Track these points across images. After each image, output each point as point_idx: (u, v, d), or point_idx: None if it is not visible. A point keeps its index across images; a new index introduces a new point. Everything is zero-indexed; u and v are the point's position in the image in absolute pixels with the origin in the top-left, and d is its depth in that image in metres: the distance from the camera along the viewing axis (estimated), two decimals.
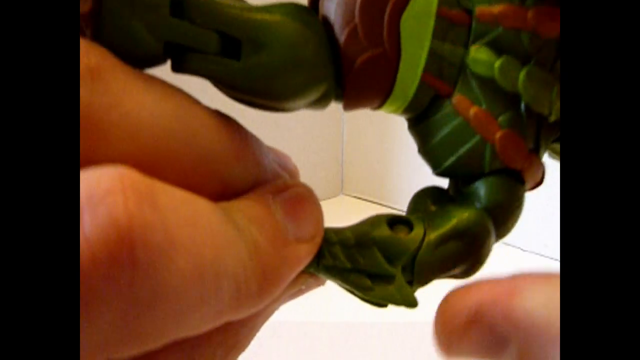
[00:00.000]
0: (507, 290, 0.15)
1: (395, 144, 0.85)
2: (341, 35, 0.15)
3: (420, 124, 0.17)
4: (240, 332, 0.15)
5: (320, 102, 0.16)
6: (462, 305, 0.15)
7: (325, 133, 0.90)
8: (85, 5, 0.12)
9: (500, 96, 0.16)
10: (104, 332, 0.10)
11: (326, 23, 0.16)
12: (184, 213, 0.11)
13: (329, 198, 0.89)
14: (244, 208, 0.14)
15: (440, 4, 0.16)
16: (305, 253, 0.15)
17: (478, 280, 0.16)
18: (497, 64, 0.16)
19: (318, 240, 0.15)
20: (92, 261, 0.09)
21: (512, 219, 0.17)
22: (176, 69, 0.14)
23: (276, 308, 0.17)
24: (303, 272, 0.16)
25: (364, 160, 0.90)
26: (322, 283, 0.17)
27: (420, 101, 0.17)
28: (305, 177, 0.17)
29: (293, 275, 0.14)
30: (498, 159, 0.16)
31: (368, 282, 0.16)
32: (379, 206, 0.86)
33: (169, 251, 0.10)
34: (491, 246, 0.17)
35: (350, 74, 0.16)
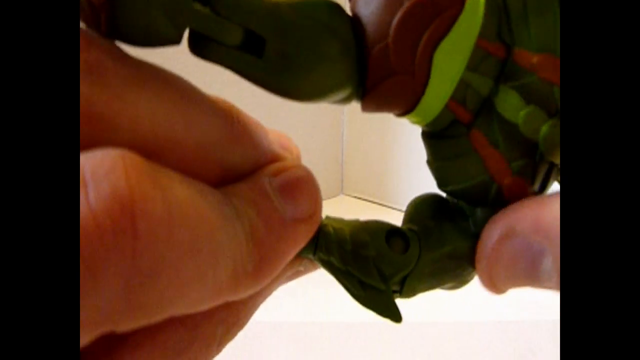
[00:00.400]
0: (535, 205, 0.15)
1: (395, 144, 0.85)
2: (372, 47, 0.15)
3: (435, 139, 0.17)
4: (240, 310, 0.15)
5: (342, 102, 0.16)
6: (495, 227, 0.16)
7: (325, 133, 0.90)
8: None
9: (519, 142, 0.16)
10: (109, 300, 0.10)
11: (356, 20, 0.15)
12: (183, 191, 0.12)
13: (329, 198, 0.89)
14: (241, 191, 0.14)
15: (480, 37, 0.15)
16: (303, 232, 0.15)
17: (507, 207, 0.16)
18: (523, 112, 0.16)
19: (316, 219, 0.15)
20: (97, 230, 0.10)
21: None
22: (194, 52, 0.13)
23: (275, 288, 0.17)
24: (301, 257, 0.16)
25: (364, 160, 0.90)
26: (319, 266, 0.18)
27: (440, 122, 0.16)
28: None
29: (290, 255, 0.15)
30: (502, 198, 0.17)
31: (359, 288, 0.16)
32: (379, 206, 0.86)
33: (168, 224, 0.11)
34: None
35: (374, 90, 0.15)
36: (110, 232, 0.10)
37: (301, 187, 0.15)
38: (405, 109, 0.16)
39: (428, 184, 0.19)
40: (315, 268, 0.18)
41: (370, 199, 0.89)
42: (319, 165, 0.88)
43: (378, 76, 0.15)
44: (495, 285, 0.16)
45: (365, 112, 0.16)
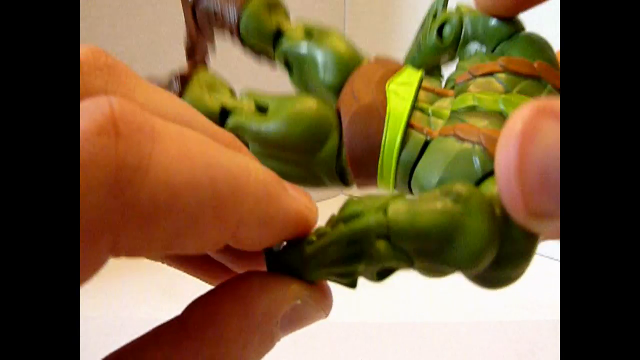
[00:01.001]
0: None
1: None
2: (340, 101, 0.19)
3: (412, 173, 0.18)
4: None
5: (328, 162, 0.19)
6: (529, 105, 0.12)
7: None
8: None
9: (482, 114, 0.17)
10: (101, 198, 0.11)
11: (338, 114, 0.19)
12: (171, 123, 0.12)
13: (329, 198, 0.89)
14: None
15: (424, 80, 0.19)
16: (304, 211, 0.15)
17: None
18: (478, 94, 0.18)
19: (313, 215, 0.15)
20: (83, 136, 0.11)
21: None
22: (222, 124, 0.19)
23: (272, 344, 0.15)
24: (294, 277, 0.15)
25: None
26: (324, 313, 0.17)
27: (411, 151, 0.18)
28: None
29: (292, 220, 0.15)
30: (490, 160, 0.16)
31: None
32: None
33: (151, 132, 0.12)
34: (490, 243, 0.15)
35: (347, 121, 0.19)
36: (94, 133, 0.11)
37: (302, 191, 0.16)
38: (378, 137, 0.18)
39: None
40: (314, 308, 0.16)
41: None
42: None
43: (348, 109, 0.19)
44: (525, 185, 0.12)
45: (352, 165, 0.19)
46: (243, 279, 0.15)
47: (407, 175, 0.18)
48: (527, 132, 0.12)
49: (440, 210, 0.14)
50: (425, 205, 0.14)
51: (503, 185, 0.13)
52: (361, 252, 0.15)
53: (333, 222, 0.15)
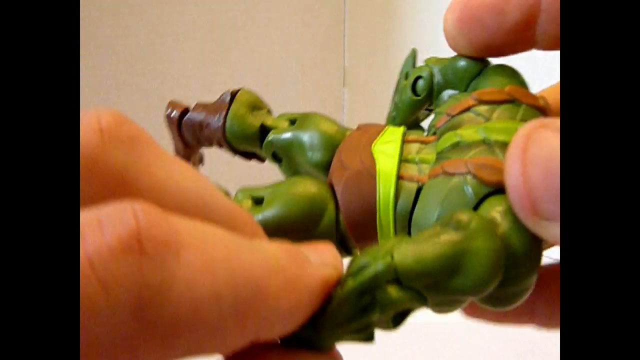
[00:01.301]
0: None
1: None
2: (331, 174, 0.20)
3: (411, 222, 0.18)
4: None
5: (328, 234, 0.19)
6: (530, 122, 0.15)
7: None
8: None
9: (466, 147, 0.17)
10: (122, 317, 0.11)
11: (331, 188, 0.20)
12: (194, 225, 0.12)
13: None
14: (265, 239, 0.15)
15: (407, 134, 0.20)
16: (329, 273, 0.14)
17: None
18: (459, 131, 0.18)
19: (339, 271, 0.15)
20: (109, 251, 0.11)
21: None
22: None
23: None
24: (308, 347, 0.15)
25: None
26: None
27: (405, 201, 0.18)
28: None
29: (316, 294, 0.14)
30: (482, 185, 0.16)
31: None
32: None
33: (175, 246, 0.12)
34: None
35: (340, 189, 0.19)
36: (119, 251, 0.11)
37: (325, 247, 0.15)
38: (371, 196, 0.19)
39: None
40: None
41: None
42: None
43: (339, 179, 0.19)
44: (531, 187, 0.14)
45: (348, 221, 0.19)
46: (259, 355, 0.15)
47: (406, 225, 0.19)
48: (530, 136, 0.14)
49: (445, 242, 0.14)
50: (429, 240, 0.15)
51: (511, 187, 0.14)
52: (374, 301, 0.15)
53: (342, 281, 0.15)
